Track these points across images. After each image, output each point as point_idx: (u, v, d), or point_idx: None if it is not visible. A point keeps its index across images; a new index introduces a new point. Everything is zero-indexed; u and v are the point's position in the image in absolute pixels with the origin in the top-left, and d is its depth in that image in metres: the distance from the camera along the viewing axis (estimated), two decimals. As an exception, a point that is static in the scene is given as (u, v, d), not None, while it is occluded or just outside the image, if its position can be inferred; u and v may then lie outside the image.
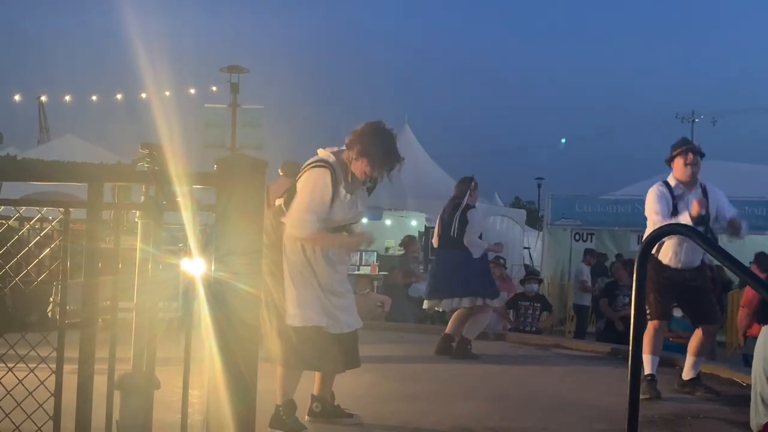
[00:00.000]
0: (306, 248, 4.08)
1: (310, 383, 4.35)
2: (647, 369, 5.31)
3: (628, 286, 11.05)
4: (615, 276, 11.80)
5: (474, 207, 7.29)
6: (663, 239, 5.21)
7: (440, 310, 7.74)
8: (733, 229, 5.46)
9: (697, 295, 5.52)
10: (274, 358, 4.10)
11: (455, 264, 7.18)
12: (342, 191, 4.06)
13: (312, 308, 4.05)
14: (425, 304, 7.59)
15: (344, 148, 4.15)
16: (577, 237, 16.60)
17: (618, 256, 14.15)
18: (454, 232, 7.17)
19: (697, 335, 5.53)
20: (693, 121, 42.42)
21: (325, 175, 4.03)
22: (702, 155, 5.63)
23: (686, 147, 5.61)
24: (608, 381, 5.83)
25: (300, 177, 4.14)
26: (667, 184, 5.55)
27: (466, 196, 7.29)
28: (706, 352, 5.66)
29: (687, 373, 5.53)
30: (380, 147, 4.09)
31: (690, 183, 5.53)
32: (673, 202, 5.38)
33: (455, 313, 7.42)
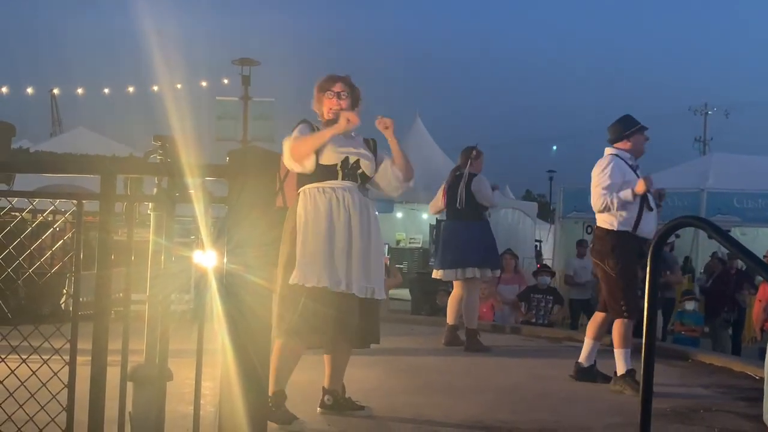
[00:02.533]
0: (318, 196, 4.07)
1: (320, 375, 4.35)
2: (627, 365, 5.34)
3: (640, 279, 10.97)
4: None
5: (476, 175, 7.27)
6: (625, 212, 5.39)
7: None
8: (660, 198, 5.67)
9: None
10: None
11: (463, 235, 7.18)
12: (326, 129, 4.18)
13: (313, 264, 3.99)
14: (435, 274, 7.57)
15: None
16: (589, 230, 16.51)
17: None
18: (460, 203, 7.16)
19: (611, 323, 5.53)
20: (706, 113, 42.19)
21: (301, 124, 4.25)
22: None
23: (642, 125, 5.67)
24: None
25: None
26: (620, 156, 5.58)
27: (468, 166, 7.27)
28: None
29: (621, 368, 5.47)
30: (319, 81, 4.32)
31: (638, 158, 5.68)
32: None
33: (449, 302, 7.43)
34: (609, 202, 5.39)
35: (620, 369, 5.34)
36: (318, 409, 4.33)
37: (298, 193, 4.17)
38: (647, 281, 3.02)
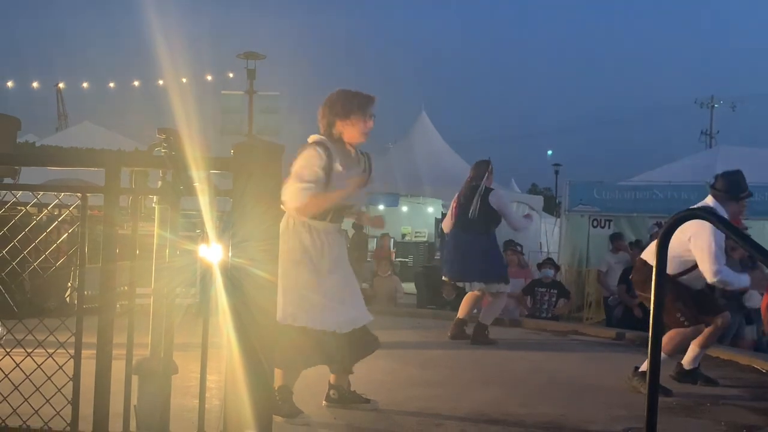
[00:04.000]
0: (302, 232, 4.02)
1: (327, 370, 4.35)
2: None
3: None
4: (632, 263, 11.72)
5: (493, 189, 7.27)
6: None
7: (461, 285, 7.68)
8: None
9: (700, 293, 5.34)
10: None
11: (470, 247, 7.16)
12: (338, 165, 4.04)
13: (306, 305, 3.99)
14: (445, 277, 7.62)
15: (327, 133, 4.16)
16: (595, 223, 16.49)
17: (636, 242, 14.04)
18: (473, 214, 7.14)
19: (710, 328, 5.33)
20: (712, 106, 42.05)
21: (314, 149, 4.04)
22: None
23: (749, 192, 5.31)
24: (626, 367, 5.78)
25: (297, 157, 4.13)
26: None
27: (484, 179, 7.26)
28: (710, 344, 5.52)
29: (688, 363, 5.41)
30: (352, 99, 4.12)
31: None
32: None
33: (465, 297, 7.44)
34: (721, 277, 5.02)
35: (645, 366, 5.26)
36: (323, 402, 4.33)
37: (282, 210, 4.02)
38: (654, 273, 3.01)
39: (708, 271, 4.97)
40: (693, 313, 5.18)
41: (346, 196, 4.04)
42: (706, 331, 5.29)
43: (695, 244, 5.00)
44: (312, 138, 4.16)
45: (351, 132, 4.12)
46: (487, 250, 7.22)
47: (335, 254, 4.11)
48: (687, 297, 5.20)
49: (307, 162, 4.01)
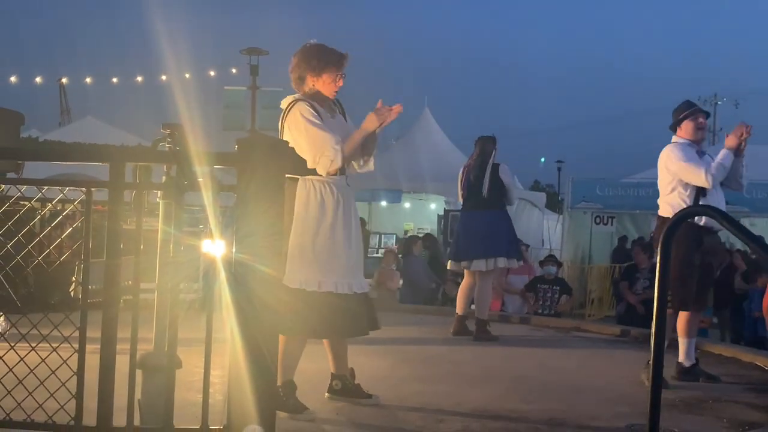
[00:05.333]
0: (323, 189, 4.02)
1: (327, 364, 4.36)
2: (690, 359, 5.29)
3: (647, 269, 11.01)
4: (635, 259, 11.72)
5: (501, 164, 7.24)
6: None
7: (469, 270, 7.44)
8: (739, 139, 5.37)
9: (708, 276, 5.36)
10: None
11: (486, 225, 7.13)
12: (325, 113, 4.11)
13: (324, 270, 3.98)
14: (450, 265, 7.52)
15: (298, 91, 4.18)
16: (598, 220, 16.51)
17: (639, 239, 14.03)
18: (485, 191, 7.12)
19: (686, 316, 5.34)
20: (715, 103, 41.98)
21: (304, 106, 4.07)
22: (708, 115, 5.53)
23: (695, 109, 5.45)
24: (629, 364, 5.79)
25: (283, 126, 4.13)
26: (681, 142, 5.39)
27: (493, 155, 7.23)
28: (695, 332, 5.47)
29: (685, 359, 5.39)
30: (328, 56, 4.14)
31: (698, 143, 5.43)
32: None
33: (459, 292, 7.41)
34: (710, 172, 5.17)
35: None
36: (326, 394, 4.33)
37: (293, 179, 4.03)
38: (658, 270, 3.01)
39: (699, 180, 5.19)
40: (683, 298, 5.19)
41: (369, 131, 4.06)
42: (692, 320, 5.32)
43: (673, 169, 5.28)
44: (287, 100, 4.17)
45: (321, 89, 4.15)
46: (507, 226, 7.23)
47: (350, 209, 4.13)
48: (689, 277, 5.21)
49: (307, 121, 4.02)
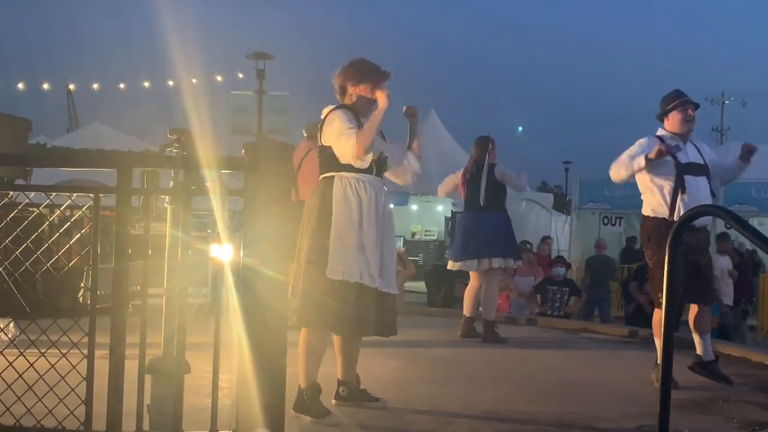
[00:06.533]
0: (358, 186, 4.06)
1: (334, 368, 4.36)
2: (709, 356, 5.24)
3: (658, 269, 10.93)
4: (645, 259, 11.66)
5: (496, 164, 7.23)
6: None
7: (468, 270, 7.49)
8: (747, 152, 5.24)
9: (701, 272, 5.25)
10: (297, 323, 4.07)
11: (482, 226, 7.15)
12: (362, 122, 4.15)
13: (351, 260, 3.99)
14: (451, 265, 7.50)
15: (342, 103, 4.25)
16: (606, 221, 16.48)
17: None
18: (484, 196, 7.13)
19: (695, 312, 5.28)
20: (723, 103, 41.85)
21: (343, 111, 4.15)
22: (698, 107, 5.40)
23: (684, 100, 5.32)
24: (637, 365, 5.78)
25: (321, 134, 4.19)
26: (658, 137, 5.29)
27: (487, 156, 7.24)
28: (708, 328, 5.43)
29: (704, 354, 5.35)
30: (370, 69, 4.23)
31: (684, 136, 5.30)
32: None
33: (466, 294, 7.41)
34: (618, 164, 5.19)
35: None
36: (333, 401, 4.33)
37: (330, 177, 4.10)
38: (665, 271, 3.00)
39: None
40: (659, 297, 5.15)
41: (382, 108, 4.07)
42: (694, 315, 5.27)
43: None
44: (328, 108, 4.24)
45: (361, 99, 4.22)
46: (504, 227, 7.22)
47: (388, 210, 4.18)
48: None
49: (342, 119, 4.09)
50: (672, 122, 5.30)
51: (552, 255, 13.47)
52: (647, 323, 9.55)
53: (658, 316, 5.11)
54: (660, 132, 5.35)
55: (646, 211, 5.32)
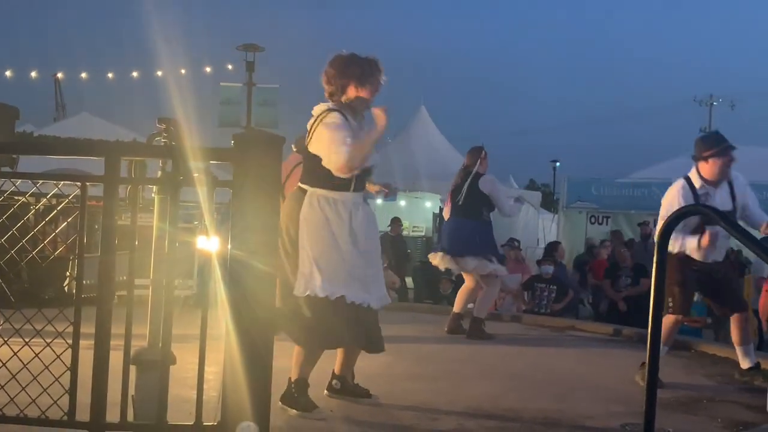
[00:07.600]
0: (326, 207, 3.96)
1: (331, 360, 4.35)
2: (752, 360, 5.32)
3: (629, 267, 11.06)
4: (617, 257, 11.77)
5: (483, 175, 7.24)
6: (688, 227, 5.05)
7: (447, 268, 7.60)
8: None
9: (722, 286, 5.34)
10: (293, 338, 4.05)
11: (461, 231, 7.16)
12: (353, 123, 4.07)
13: (335, 276, 3.92)
14: (433, 260, 7.48)
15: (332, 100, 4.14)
16: (593, 220, 16.51)
17: (630, 240, 14.07)
18: (460, 200, 7.16)
19: (733, 324, 5.36)
20: (711, 104, 42.03)
21: (335, 114, 4.02)
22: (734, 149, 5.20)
23: (726, 146, 5.10)
24: (624, 363, 5.80)
25: (312, 134, 4.06)
26: (690, 181, 5.12)
27: (477, 165, 7.26)
28: (749, 337, 5.44)
29: (744, 363, 5.40)
30: (372, 68, 4.11)
31: (719, 182, 5.14)
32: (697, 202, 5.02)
33: (460, 291, 7.45)
34: (674, 238, 4.81)
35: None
36: (324, 392, 4.33)
37: (303, 190, 4.02)
38: (654, 271, 3.01)
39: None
40: (682, 303, 5.20)
41: (381, 128, 4.01)
42: (733, 327, 5.33)
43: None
44: (321, 107, 4.11)
45: (355, 98, 4.12)
46: (480, 231, 7.18)
47: (364, 225, 4.06)
48: (687, 284, 5.21)
49: (334, 126, 3.98)
50: (710, 168, 5.10)
51: (538, 254, 13.51)
52: (620, 320, 9.62)
53: (668, 321, 5.14)
54: (693, 175, 5.15)
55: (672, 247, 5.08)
